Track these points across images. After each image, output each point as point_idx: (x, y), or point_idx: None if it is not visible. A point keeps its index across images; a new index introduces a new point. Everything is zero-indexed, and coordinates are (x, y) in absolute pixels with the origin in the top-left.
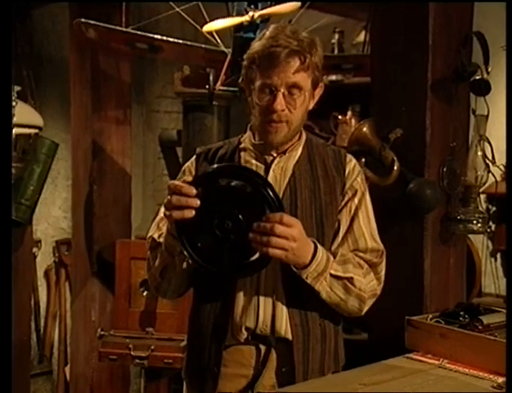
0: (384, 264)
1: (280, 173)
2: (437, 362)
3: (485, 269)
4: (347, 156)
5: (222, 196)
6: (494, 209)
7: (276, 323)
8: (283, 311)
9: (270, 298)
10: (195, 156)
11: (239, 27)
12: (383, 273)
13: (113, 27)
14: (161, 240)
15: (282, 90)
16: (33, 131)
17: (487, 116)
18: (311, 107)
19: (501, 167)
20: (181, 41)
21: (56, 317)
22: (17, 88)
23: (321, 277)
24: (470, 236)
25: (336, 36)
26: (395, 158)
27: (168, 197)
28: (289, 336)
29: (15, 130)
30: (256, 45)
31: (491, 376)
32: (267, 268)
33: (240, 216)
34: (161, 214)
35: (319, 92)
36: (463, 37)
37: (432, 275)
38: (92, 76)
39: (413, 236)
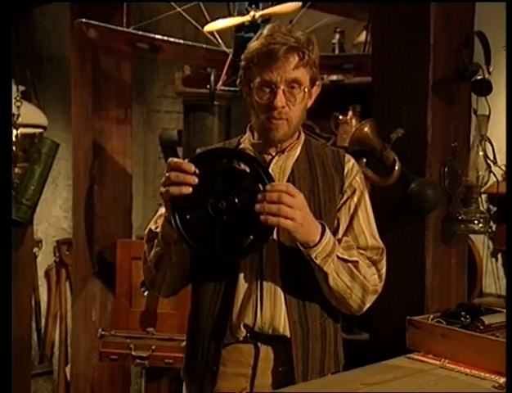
0: (384, 262)
1: (278, 172)
2: (438, 362)
3: (486, 269)
4: (345, 156)
5: (220, 176)
6: (495, 209)
7: (275, 321)
8: (282, 309)
9: (269, 296)
10: None
11: (240, 27)
12: (383, 270)
13: (114, 27)
14: (158, 230)
15: (282, 87)
16: (37, 130)
17: (489, 116)
18: (309, 106)
19: (503, 167)
20: (182, 41)
21: (56, 317)
22: (21, 88)
23: (329, 258)
24: (471, 236)
25: (337, 36)
26: (396, 158)
27: (167, 174)
28: (288, 334)
29: (20, 130)
30: (253, 44)
31: (492, 376)
32: (266, 264)
33: (236, 198)
34: (160, 212)
35: (317, 90)
36: (464, 37)
37: (433, 275)
38: (92, 76)
39: (414, 236)
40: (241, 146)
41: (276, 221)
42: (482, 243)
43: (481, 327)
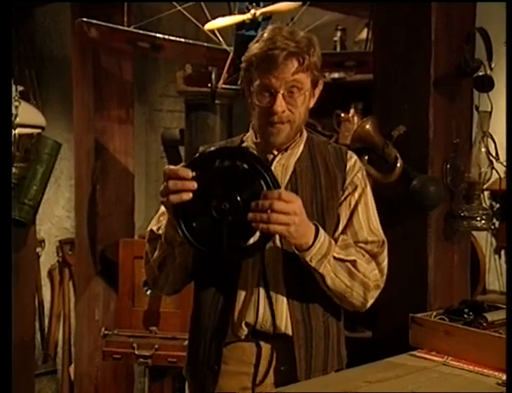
0: (385, 254)
1: (281, 170)
2: (441, 359)
3: (489, 266)
4: (348, 153)
5: (219, 177)
6: (498, 205)
7: (277, 320)
8: (283, 307)
9: (271, 294)
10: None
11: (240, 25)
12: (385, 264)
13: (114, 26)
14: (160, 232)
15: (282, 91)
16: (35, 131)
17: (491, 112)
18: (311, 105)
19: (505, 163)
20: (182, 39)
21: (60, 316)
22: (20, 88)
23: (324, 260)
24: (474, 233)
25: (338, 33)
26: (398, 155)
27: (165, 183)
28: (290, 333)
29: (18, 130)
30: (254, 47)
31: (495, 373)
32: (268, 263)
33: (238, 197)
34: (162, 210)
35: (319, 89)
36: (465, 33)
37: (436, 272)
38: (94, 75)
39: (417, 233)
40: (244, 144)
41: (266, 228)
42: (485, 240)
43: (484, 324)
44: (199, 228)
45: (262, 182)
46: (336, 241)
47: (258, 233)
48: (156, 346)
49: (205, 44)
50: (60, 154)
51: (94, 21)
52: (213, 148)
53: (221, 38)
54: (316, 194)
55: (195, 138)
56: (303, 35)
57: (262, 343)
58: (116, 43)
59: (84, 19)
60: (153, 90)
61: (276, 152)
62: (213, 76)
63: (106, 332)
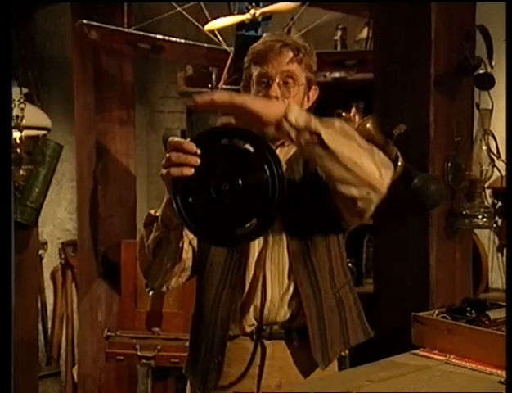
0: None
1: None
2: (443, 358)
3: (492, 264)
4: None
5: (223, 157)
6: (500, 203)
7: (284, 302)
8: (291, 287)
9: (277, 279)
10: None
11: (241, 25)
12: (382, 161)
13: (115, 28)
14: (158, 214)
15: (277, 80)
16: (41, 132)
17: (492, 110)
18: (306, 107)
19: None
20: (183, 40)
21: (63, 318)
22: (25, 91)
23: (313, 119)
24: (476, 231)
25: (339, 33)
26: (399, 154)
27: (168, 155)
28: (299, 313)
29: (24, 132)
30: (253, 47)
31: (498, 371)
32: (271, 248)
33: (240, 180)
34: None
35: (313, 94)
36: (465, 31)
37: (438, 271)
38: (94, 77)
39: (418, 232)
40: None
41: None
42: (487, 238)
43: (486, 323)
44: (195, 206)
45: (267, 168)
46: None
47: (255, 220)
48: (159, 347)
49: (206, 45)
50: (62, 156)
51: (94, 23)
52: (218, 126)
53: (221, 39)
54: (310, 183)
55: None
56: (300, 39)
57: (266, 342)
58: (116, 45)
59: (84, 21)
60: (154, 91)
61: (273, 147)
62: (214, 77)
63: (109, 334)
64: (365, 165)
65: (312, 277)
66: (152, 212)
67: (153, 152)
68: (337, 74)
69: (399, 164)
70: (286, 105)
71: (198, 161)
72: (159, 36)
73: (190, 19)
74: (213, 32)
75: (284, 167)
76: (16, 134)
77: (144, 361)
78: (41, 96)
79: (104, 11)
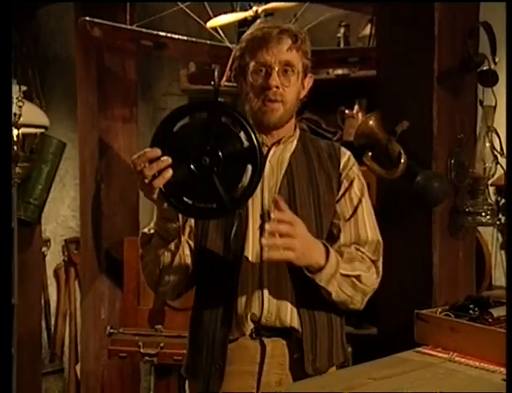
0: (381, 254)
1: (276, 163)
2: (446, 355)
3: (495, 262)
4: (341, 149)
5: (198, 132)
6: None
7: (281, 312)
8: (288, 299)
9: (275, 287)
10: None
11: (243, 22)
12: (380, 264)
13: (118, 25)
14: (152, 231)
15: (276, 68)
16: (39, 131)
17: (495, 107)
18: (302, 96)
19: None
20: (186, 38)
21: (66, 315)
22: (23, 88)
23: (333, 279)
24: (479, 228)
25: (342, 30)
26: (402, 151)
27: (138, 174)
28: (295, 325)
29: (21, 130)
30: (246, 34)
31: (501, 369)
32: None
33: (219, 151)
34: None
35: (309, 81)
36: (469, 27)
37: (441, 268)
38: (97, 75)
39: (421, 229)
40: None
41: (279, 255)
42: (491, 235)
43: (489, 320)
44: (190, 196)
45: (244, 134)
46: (335, 236)
47: (244, 182)
48: (162, 345)
49: (208, 42)
50: (65, 153)
51: (97, 20)
52: (169, 112)
53: (224, 36)
54: (312, 188)
55: None
56: (293, 25)
57: (266, 341)
58: (119, 42)
59: (87, 18)
60: (157, 88)
61: (269, 144)
62: (216, 74)
63: (112, 331)
64: (352, 305)
65: (307, 295)
66: (146, 230)
67: None
68: (340, 71)
69: (402, 161)
70: (324, 260)
71: (169, 160)
72: (161, 33)
73: (193, 16)
74: (215, 29)
75: (284, 166)
76: (14, 132)
77: (147, 358)
78: (43, 94)
79: (107, 8)
